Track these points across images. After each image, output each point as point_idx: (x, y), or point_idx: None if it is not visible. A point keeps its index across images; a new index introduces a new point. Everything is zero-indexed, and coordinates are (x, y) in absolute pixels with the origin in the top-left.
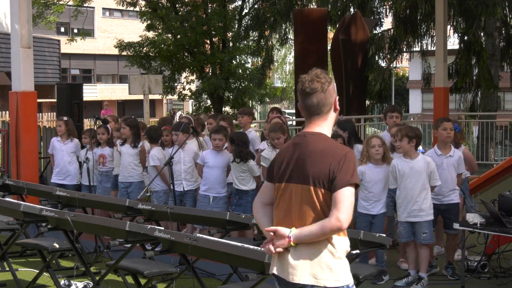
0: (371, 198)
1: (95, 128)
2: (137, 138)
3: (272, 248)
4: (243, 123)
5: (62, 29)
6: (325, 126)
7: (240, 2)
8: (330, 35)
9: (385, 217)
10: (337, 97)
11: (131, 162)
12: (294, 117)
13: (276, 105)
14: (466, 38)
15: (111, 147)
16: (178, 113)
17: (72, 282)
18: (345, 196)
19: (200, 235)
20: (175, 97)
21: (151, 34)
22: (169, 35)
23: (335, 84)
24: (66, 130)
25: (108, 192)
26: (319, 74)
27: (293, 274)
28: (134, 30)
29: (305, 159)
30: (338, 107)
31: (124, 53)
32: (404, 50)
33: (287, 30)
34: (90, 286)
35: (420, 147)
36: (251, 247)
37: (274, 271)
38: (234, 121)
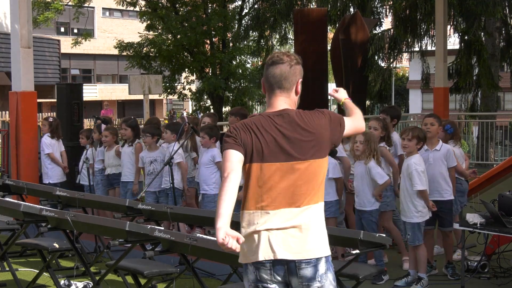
0: (356, 193)
1: (94, 129)
2: (136, 138)
3: None
4: (231, 124)
5: (62, 29)
6: (289, 103)
7: (240, 2)
8: (330, 35)
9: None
10: (300, 80)
11: (127, 161)
12: None
13: None
14: (466, 37)
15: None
16: (184, 114)
17: (72, 282)
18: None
19: (200, 235)
20: (175, 97)
21: (151, 34)
22: (169, 35)
23: (302, 70)
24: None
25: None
26: (291, 53)
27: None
28: (134, 30)
29: (299, 133)
30: (299, 90)
31: (124, 53)
32: (404, 50)
33: (287, 30)
34: (90, 286)
35: None
36: None
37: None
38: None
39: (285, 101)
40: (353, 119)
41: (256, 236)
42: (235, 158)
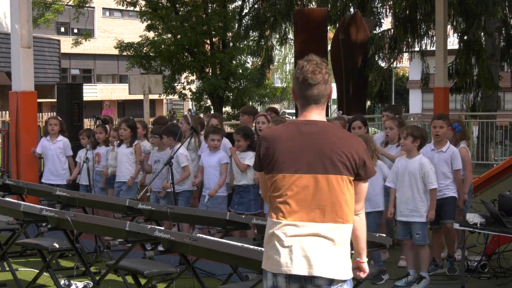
0: None
1: (94, 128)
2: (134, 139)
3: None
4: (243, 122)
5: (62, 29)
6: (323, 115)
7: (240, 2)
8: (330, 35)
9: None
10: (333, 87)
11: (125, 161)
12: (294, 117)
13: (276, 105)
14: (465, 37)
15: (107, 147)
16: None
17: (72, 282)
18: (364, 190)
19: (200, 235)
20: (176, 97)
21: (151, 34)
22: (169, 35)
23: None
24: (59, 130)
25: (100, 192)
26: (319, 64)
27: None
28: (134, 30)
29: (330, 147)
30: (331, 95)
31: (124, 53)
32: (404, 50)
33: (287, 30)
34: (90, 286)
35: None
36: (251, 247)
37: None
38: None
39: (319, 113)
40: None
41: (276, 246)
42: (264, 185)
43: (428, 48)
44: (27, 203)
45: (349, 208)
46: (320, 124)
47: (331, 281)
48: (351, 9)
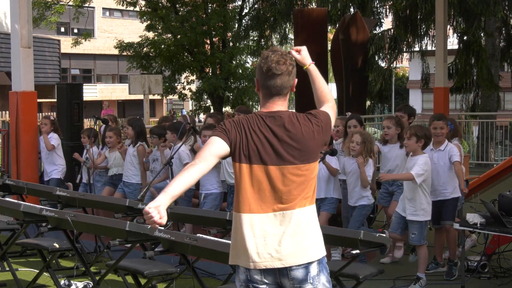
0: (347, 189)
1: (95, 128)
2: (138, 139)
3: None
4: None
5: (62, 29)
6: (285, 105)
7: (240, 2)
8: (330, 35)
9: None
10: (296, 80)
11: (128, 162)
12: None
13: None
14: (465, 38)
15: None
16: (184, 112)
17: (72, 282)
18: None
19: (200, 235)
20: (175, 97)
21: (151, 34)
22: (169, 35)
23: (295, 67)
24: (51, 129)
25: (100, 192)
26: (284, 55)
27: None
28: (134, 30)
29: (294, 137)
30: (294, 88)
31: (125, 53)
32: (404, 50)
33: (287, 30)
34: (90, 286)
35: None
36: None
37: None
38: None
39: (282, 104)
40: (332, 107)
41: (246, 239)
42: (214, 150)
43: (428, 48)
44: (27, 203)
45: (313, 191)
46: (284, 115)
47: (306, 266)
48: (351, 9)
